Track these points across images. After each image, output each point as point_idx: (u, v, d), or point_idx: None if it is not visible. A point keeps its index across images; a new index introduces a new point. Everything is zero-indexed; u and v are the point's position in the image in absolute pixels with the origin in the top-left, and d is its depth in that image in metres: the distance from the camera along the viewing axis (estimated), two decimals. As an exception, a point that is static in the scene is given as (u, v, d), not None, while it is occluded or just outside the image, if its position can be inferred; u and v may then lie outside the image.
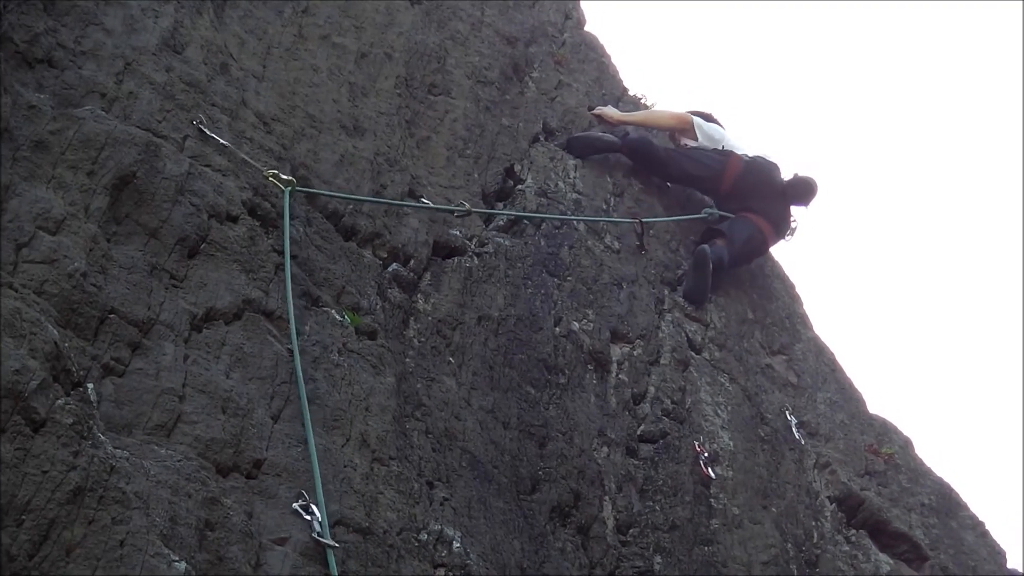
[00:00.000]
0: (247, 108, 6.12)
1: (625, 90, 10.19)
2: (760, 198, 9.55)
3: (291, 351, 5.28)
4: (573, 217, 8.03)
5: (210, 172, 5.53)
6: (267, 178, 5.87)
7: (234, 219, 5.52)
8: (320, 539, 4.64)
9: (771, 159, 9.77)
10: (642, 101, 10.25)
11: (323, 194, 6.28)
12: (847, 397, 9.71)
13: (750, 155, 9.69)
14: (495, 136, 8.17)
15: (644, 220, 8.64)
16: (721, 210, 9.55)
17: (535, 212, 7.70)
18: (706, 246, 8.87)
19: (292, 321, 5.35)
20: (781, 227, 9.71)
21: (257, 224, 5.67)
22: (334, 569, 4.58)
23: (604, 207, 8.59)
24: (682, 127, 9.82)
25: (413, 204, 6.81)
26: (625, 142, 9.21)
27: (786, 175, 9.72)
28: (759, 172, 9.62)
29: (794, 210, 9.72)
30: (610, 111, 9.55)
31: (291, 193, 5.92)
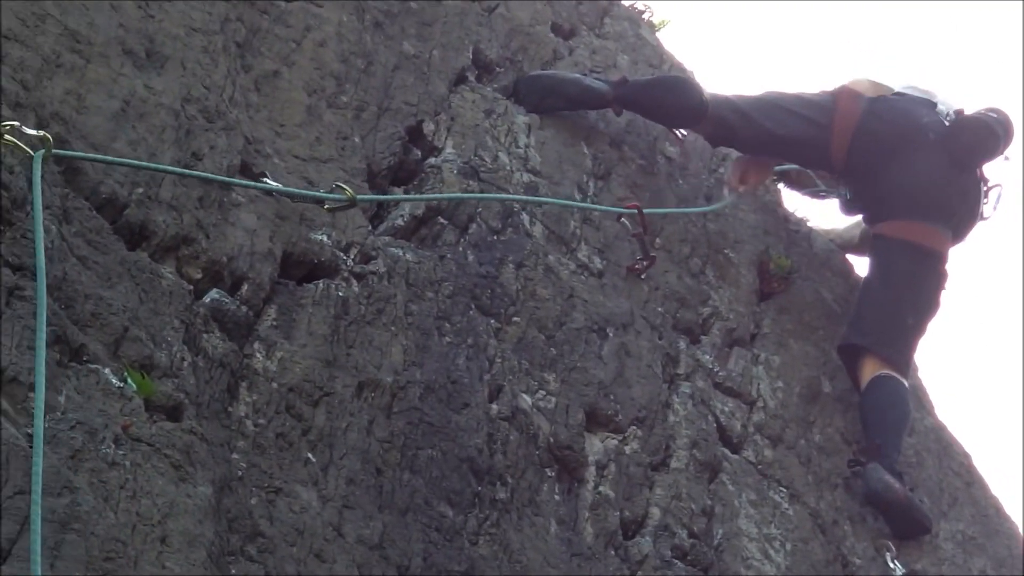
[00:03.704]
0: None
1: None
2: (903, 167, 6.62)
3: (32, 437, 4.02)
4: (534, 199, 6.16)
5: None
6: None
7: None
8: None
9: (920, 92, 6.89)
10: (643, 13, 7.60)
11: (104, 160, 4.75)
12: (991, 530, 7.50)
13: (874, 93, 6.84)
14: (391, 72, 6.28)
15: (709, 209, 6.74)
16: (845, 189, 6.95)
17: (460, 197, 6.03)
18: (884, 478, 6.44)
19: (41, 389, 4.03)
20: (961, 216, 6.80)
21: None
22: None
23: (578, 196, 6.59)
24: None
25: (249, 184, 5.19)
26: (622, 90, 6.55)
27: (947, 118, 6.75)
28: (893, 117, 6.75)
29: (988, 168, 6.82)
30: None
31: (44, 159, 4.44)
